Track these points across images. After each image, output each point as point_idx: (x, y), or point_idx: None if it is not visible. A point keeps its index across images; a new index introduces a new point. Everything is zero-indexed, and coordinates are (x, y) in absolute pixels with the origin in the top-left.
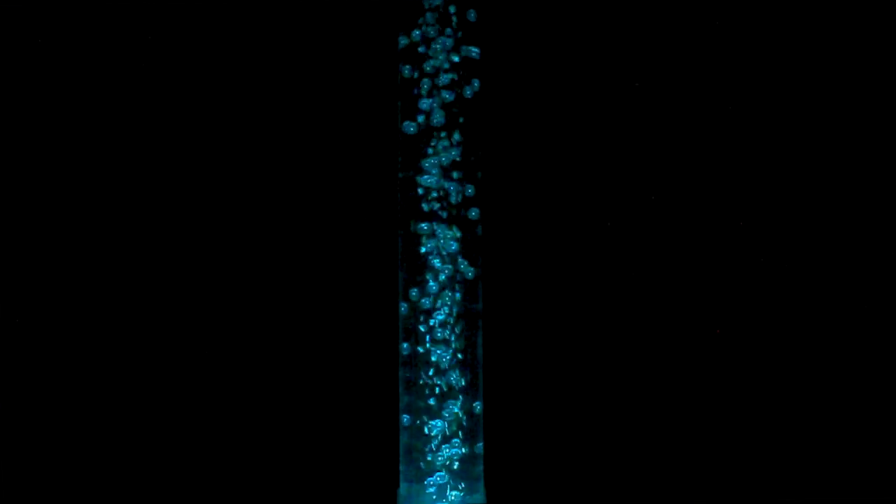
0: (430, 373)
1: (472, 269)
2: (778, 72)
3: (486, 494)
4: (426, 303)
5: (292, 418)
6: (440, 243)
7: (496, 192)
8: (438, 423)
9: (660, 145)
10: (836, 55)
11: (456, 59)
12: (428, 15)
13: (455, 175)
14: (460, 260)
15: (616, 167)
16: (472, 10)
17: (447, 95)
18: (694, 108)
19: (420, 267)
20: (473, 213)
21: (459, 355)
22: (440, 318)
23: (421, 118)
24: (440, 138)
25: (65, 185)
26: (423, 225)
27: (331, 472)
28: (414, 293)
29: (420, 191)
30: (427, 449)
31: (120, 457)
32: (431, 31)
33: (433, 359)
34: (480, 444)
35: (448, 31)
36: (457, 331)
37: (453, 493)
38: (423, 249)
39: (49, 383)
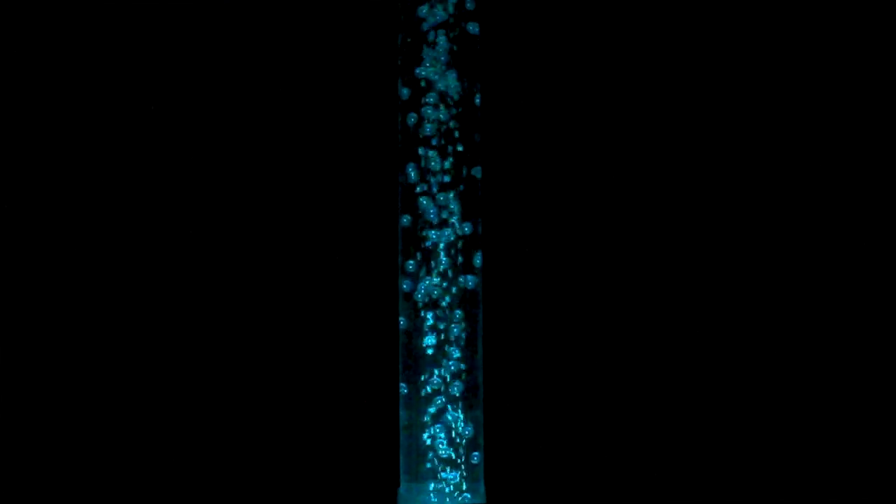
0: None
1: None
2: (778, 72)
3: (486, 494)
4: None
5: (293, 418)
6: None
7: (495, 201)
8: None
9: (658, 146)
10: (836, 56)
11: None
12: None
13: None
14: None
15: (615, 168)
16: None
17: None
18: (692, 109)
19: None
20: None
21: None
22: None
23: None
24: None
25: (65, 185)
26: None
27: (331, 472)
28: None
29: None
30: None
31: (120, 457)
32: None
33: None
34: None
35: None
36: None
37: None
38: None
39: (48, 383)
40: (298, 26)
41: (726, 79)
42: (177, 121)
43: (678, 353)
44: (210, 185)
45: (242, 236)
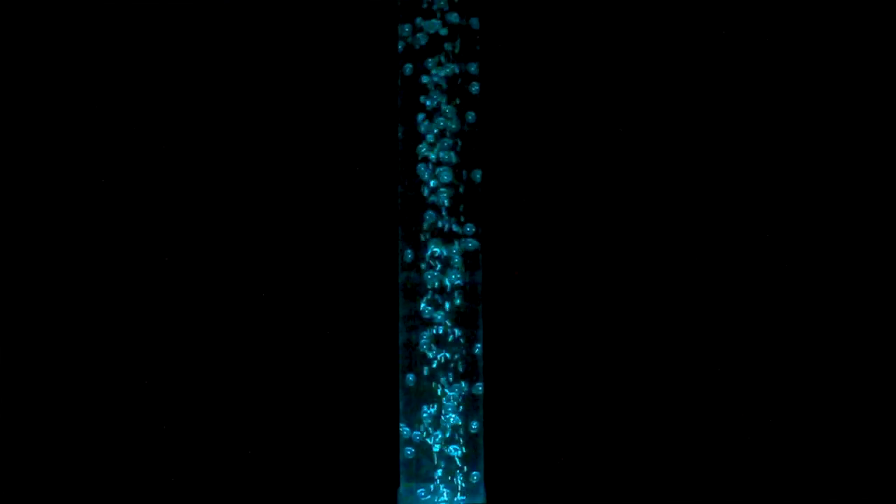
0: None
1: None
2: (777, 73)
3: (486, 495)
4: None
5: (293, 419)
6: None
7: (496, 199)
8: None
9: (659, 146)
10: (836, 56)
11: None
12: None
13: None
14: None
15: (615, 168)
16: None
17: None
18: (692, 109)
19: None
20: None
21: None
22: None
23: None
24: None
25: (65, 185)
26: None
27: (331, 472)
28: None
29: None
30: None
31: (121, 457)
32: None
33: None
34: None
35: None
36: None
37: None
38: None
39: (48, 384)
40: (296, 22)
41: (725, 83)
42: (176, 119)
43: (676, 357)
44: (206, 194)
45: (242, 238)
